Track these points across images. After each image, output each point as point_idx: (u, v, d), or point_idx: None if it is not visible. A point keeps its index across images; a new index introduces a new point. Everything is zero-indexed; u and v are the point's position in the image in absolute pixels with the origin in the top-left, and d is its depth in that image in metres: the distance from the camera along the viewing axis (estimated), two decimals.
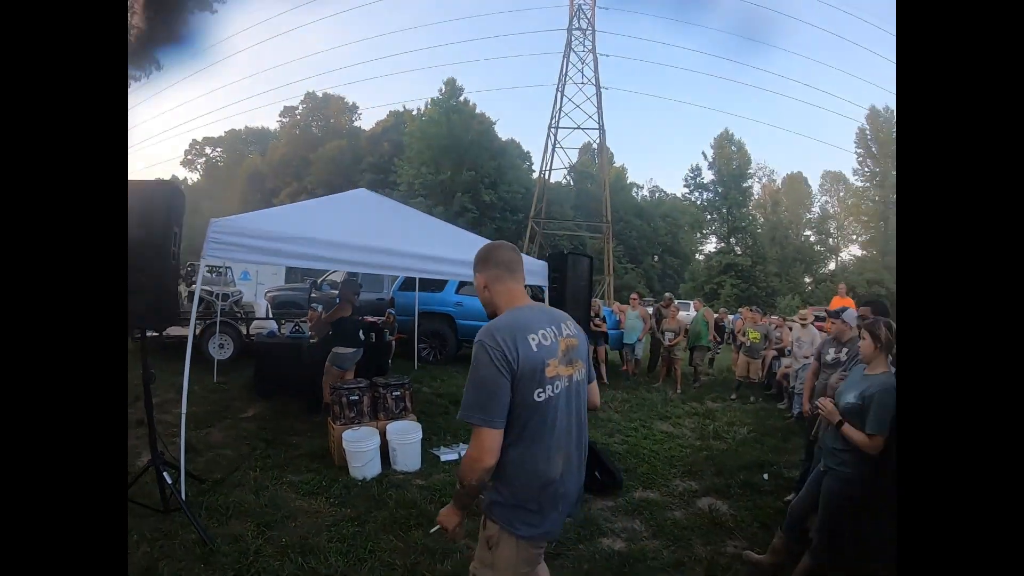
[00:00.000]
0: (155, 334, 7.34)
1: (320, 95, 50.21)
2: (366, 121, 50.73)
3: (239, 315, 10.01)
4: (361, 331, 6.25)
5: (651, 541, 3.67)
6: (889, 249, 45.57)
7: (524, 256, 6.32)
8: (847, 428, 2.75)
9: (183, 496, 3.67)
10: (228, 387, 7.48)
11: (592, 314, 8.90)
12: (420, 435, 4.77)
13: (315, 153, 44.68)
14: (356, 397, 4.94)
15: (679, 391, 8.95)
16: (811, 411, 4.01)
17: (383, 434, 4.67)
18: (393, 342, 8.45)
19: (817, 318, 7.87)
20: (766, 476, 4.99)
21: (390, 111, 47.26)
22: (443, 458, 4.98)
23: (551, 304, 5.52)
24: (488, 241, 2.18)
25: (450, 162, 36.63)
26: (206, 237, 3.95)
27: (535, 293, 5.54)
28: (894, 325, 2.96)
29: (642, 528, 3.82)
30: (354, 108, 51.51)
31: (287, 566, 3.14)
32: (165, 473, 3.62)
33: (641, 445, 5.68)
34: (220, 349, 8.76)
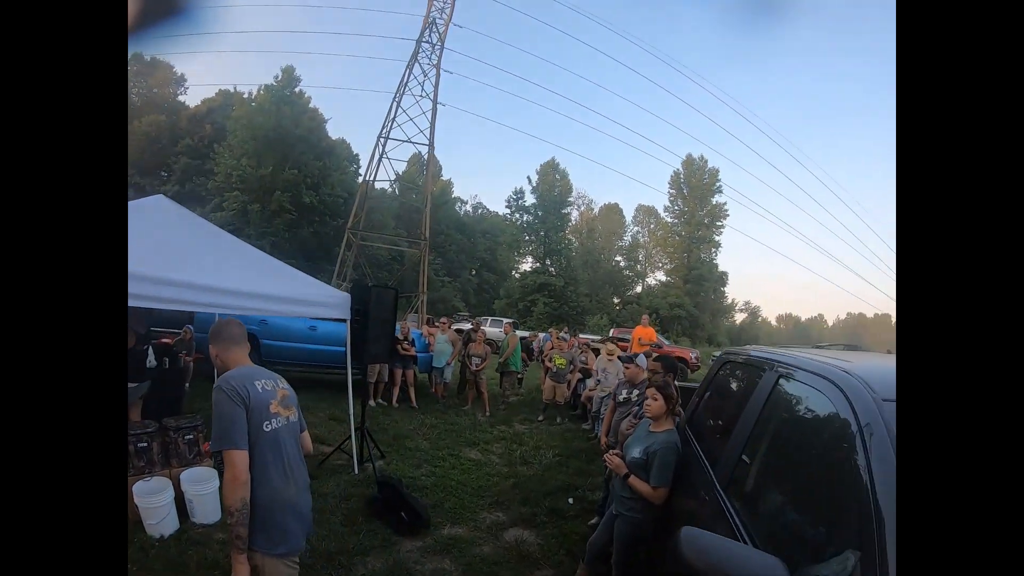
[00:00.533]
0: None
1: (148, 59, 43.66)
2: (192, 96, 45.33)
3: None
4: (152, 356, 5.50)
5: None
6: (691, 277, 51.90)
7: (326, 287, 5.89)
8: (633, 480, 2.92)
9: None
10: None
11: (401, 337, 8.75)
12: (218, 482, 4.15)
13: (131, 125, 38.89)
14: (145, 444, 4.28)
15: (488, 414, 9.02)
16: (607, 444, 4.34)
17: (177, 484, 4.10)
18: (191, 364, 7.50)
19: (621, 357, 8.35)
20: (571, 500, 5.14)
21: (219, 90, 42.55)
22: None
23: (353, 337, 5.35)
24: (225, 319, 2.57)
25: (273, 156, 33.92)
26: None
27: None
28: (675, 385, 3.30)
29: (451, 567, 3.72)
30: (182, 80, 45.49)
31: None
32: None
33: (449, 476, 5.58)
34: None
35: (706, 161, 53.83)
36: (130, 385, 4.97)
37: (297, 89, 37.84)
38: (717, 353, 25.73)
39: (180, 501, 4.08)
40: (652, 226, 59.76)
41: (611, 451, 3.28)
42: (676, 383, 5.74)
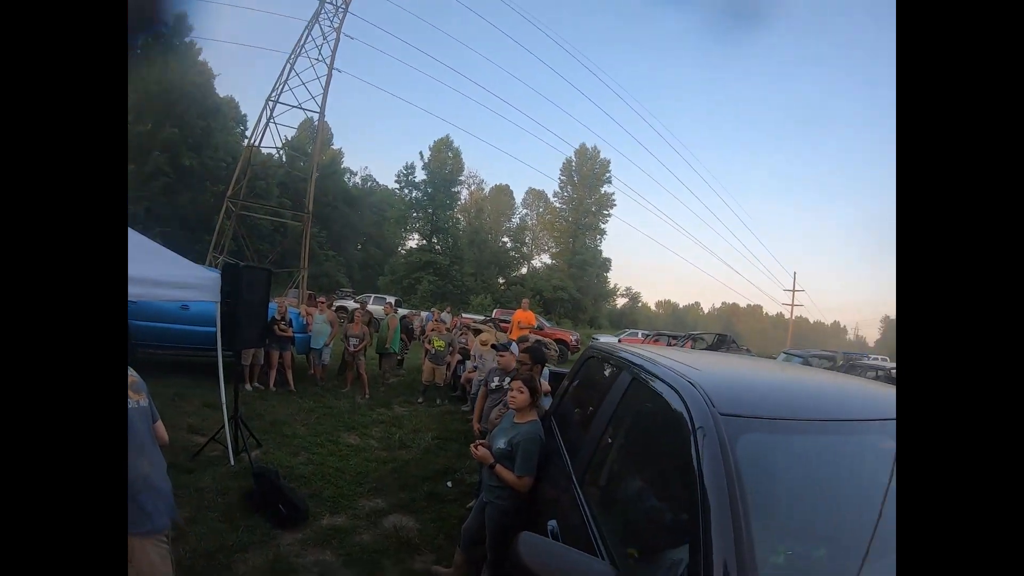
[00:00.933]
0: None
1: None
2: None
3: None
4: None
5: (343, 571, 3.64)
6: (575, 261, 53.41)
7: (194, 266, 5.58)
8: (499, 469, 3.04)
9: None
10: None
11: (278, 317, 8.51)
12: None
13: None
14: None
15: (367, 396, 8.96)
16: (480, 430, 4.50)
17: None
18: None
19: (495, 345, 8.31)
20: (450, 484, 5.29)
21: None
22: None
23: (224, 321, 5.11)
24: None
25: (154, 112, 30.73)
26: None
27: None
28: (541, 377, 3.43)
29: (332, 559, 3.75)
30: None
31: None
32: None
33: (327, 463, 5.54)
34: None
35: (599, 152, 55.96)
36: None
37: (189, 39, 34.50)
38: (596, 337, 26.74)
39: None
40: (541, 210, 61.16)
41: (476, 442, 3.37)
42: (552, 368, 6.02)
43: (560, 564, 1.59)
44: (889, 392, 2.58)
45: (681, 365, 2.24)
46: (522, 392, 3.22)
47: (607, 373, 3.10)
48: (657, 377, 2.25)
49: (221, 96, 37.92)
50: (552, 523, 2.32)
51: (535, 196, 61.42)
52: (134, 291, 4.61)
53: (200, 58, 35.66)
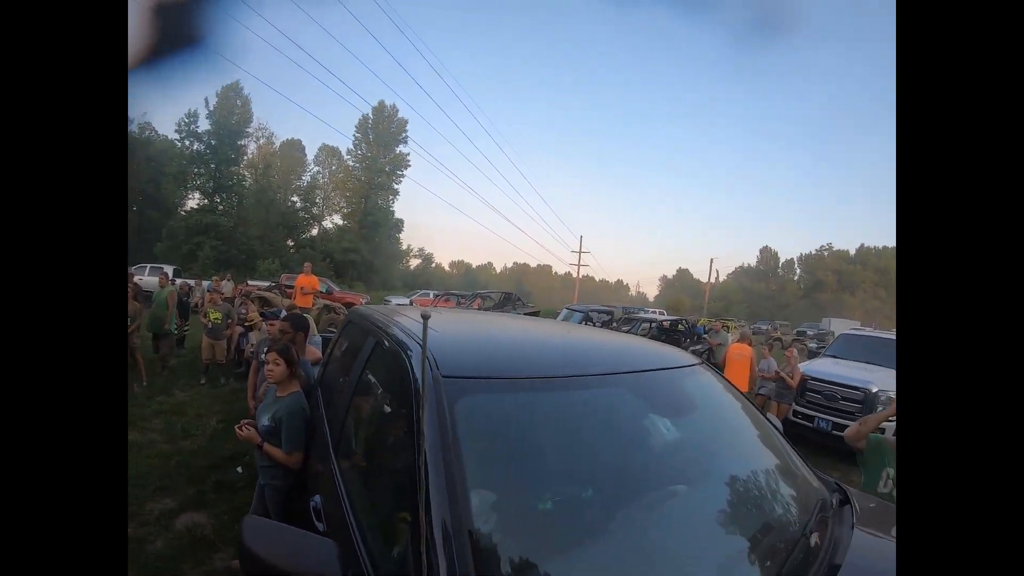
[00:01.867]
0: None
1: None
2: None
3: None
4: None
5: None
6: (367, 222, 52.05)
7: None
8: (268, 448, 2.95)
9: None
10: None
11: None
12: None
13: None
14: None
15: (145, 383, 8.27)
16: (255, 408, 4.20)
17: None
18: None
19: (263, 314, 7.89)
20: (240, 470, 5.10)
21: None
22: None
23: None
24: None
25: None
26: None
27: None
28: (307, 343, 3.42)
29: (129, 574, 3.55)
30: None
31: None
32: None
33: None
34: None
35: (397, 110, 54.99)
36: None
37: None
38: (388, 299, 26.58)
39: None
40: (334, 168, 58.79)
41: (242, 421, 3.16)
42: (333, 333, 5.86)
43: (282, 546, 1.56)
44: (633, 344, 2.83)
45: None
46: (278, 364, 3.11)
47: (360, 338, 2.99)
48: (394, 339, 2.24)
49: None
50: (315, 499, 2.27)
51: (328, 153, 59.10)
52: None
53: None
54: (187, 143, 46.33)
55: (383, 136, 55.08)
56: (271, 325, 4.56)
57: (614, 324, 17.26)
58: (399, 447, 1.81)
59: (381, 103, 54.22)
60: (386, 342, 2.35)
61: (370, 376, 2.51)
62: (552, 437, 1.86)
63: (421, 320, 1.57)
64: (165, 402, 7.60)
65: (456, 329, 2.76)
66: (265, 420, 3.02)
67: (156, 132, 50.92)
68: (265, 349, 4.37)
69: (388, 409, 2.23)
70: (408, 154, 55.58)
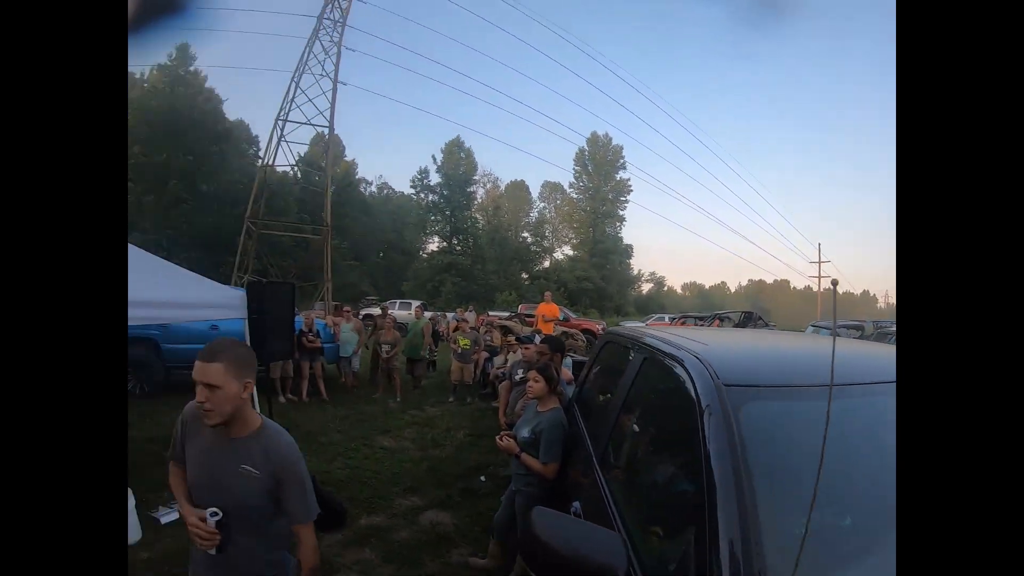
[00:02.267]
0: None
1: None
2: None
3: None
4: None
5: (384, 567, 3.72)
6: (597, 251, 53.40)
7: (221, 287, 5.73)
8: (525, 458, 3.13)
9: None
10: None
11: (306, 329, 8.71)
12: (132, 502, 4.00)
13: None
14: None
15: (399, 399, 9.10)
16: (506, 422, 4.57)
17: None
18: None
19: (519, 338, 8.31)
20: (483, 479, 5.36)
21: None
22: (163, 520, 4.24)
23: (253, 336, 5.18)
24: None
25: (167, 142, 31.42)
26: None
27: None
28: (562, 365, 3.51)
29: (372, 556, 3.84)
30: None
31: None
32: None
33: (363, 467, 5.66)
34: None
35: (610, 139, 55.64)
36: None
37: (192, 68, 35.33)
38: (623, 324, 26.81)
39: None
40: (558, 202, 60.95)
41: (502, 433, 3.44)
42: (576, 357, 6.06)
43: (568, 533, 1.60)
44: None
45: (689, 341, 2.24)
46: (538, 381, 3.31)
47: (622, 356, 3.12)
48: (665, 354, 2.26)
49: (231, 120, 38.45)
50: (575, 504, 2.36)
51: (551, 189, 61.29)
52: (164, 315, 4.78)
53: (207, 85, 36.31)
54: (422, 195, 52.20)
55: (601, 165, 55.92)
56: (527, 348, 4.76)
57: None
58: (676, 456, 1.91)
59: (594, 134, 55.31)
60: (657, 357, 2.38)
61: (638, 390, 2.57)
62: (841, 446, 1.66)
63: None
64: (417, 415, 8.21)
65: (723, 341, 2.83)
66: (525, 432, 3.20)
67: (393, 189, 58.66)
68: (521, 370, 4.66)
69: (662, 420, 2.30)
70: (629, 179, 55.81)
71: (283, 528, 1.87)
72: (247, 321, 5.25)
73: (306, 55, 26.49)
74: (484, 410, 8.69)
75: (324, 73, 26.66)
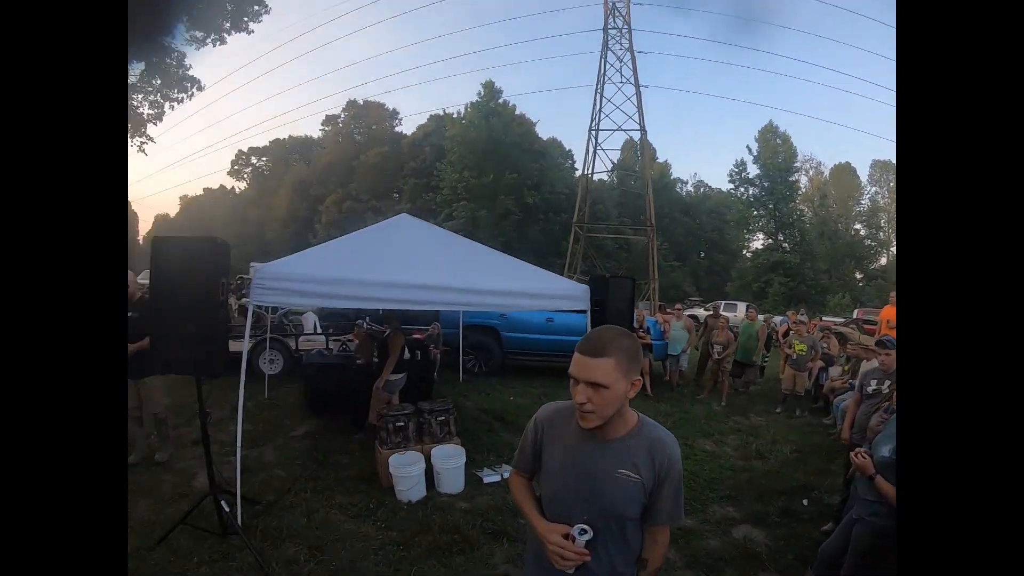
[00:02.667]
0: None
1: (361, 103, 50.83)
2: (407, 126, 51.20)
3: (288, 330, 10.09)
4: (407, 350, 6.33)
5: (683, 571, 3.72)
6: None
7: (565, 280, 6.30)
8: (880, 481, 2.69)
9: (239, 520, 3.91)
10: (279, 403, 7.69)
11: (636, 325, 8.93)
12: (463, 459, 4.90)
13: (358, 160, 45.14)
14: (402, 423, 5.12)
15: (724, 403, 8.87)
16: (850, 440, 4.08)
17: (428, 458, 4.84)
18: (438, 355, 8.64)
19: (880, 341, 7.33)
20: (806, 502, 4.95)
21: (430, 115, 47.22)
22: (486, 480, 5.05)
23: (592, 327, 5.53)
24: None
25: (492, 165, 36.60)
26: (251, 283, 4.21)
27: None
28: None
29: (675, 557, 3.83)
30: (395, 114, 51.87)
31: None
32: (223, 501, 3.87)
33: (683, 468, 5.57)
34: (270, 364, 9.03)
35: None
36: (395, 376, 5.91)
37: (501, 100, 40.25)
38: None
39: (429, 473, 4.79)
40: (892, 183, 51.24)
41: (858, 449, 2.99)
42: None
43: None
44: None
45: None
46: None
47: None
48: None
49: (545, 139, 42.74)
50: None
51: (882, 168, 52.33)
52: (516, 303, 5.51)
53: (517, 112, 40.84)
54: (742, 190, 48.69)
55: None
56: (887, 354, 4.23)
57: None
58: None
59: None
60: None
61: None
62: None
63: None
64: (741, 423, 7.91)
65: None
66: (886, 452, 2.77)
67: (710, 187, 56.49)
68: (875, 380, 4.22)
69: None
70: None
71: (640, 535, 1.65)
72: (589, 313, 5.62)
73: (602, 66, 27.90)
74: (815, 426, 7.92)
75: (624, 79, 27.87)
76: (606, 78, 27.97)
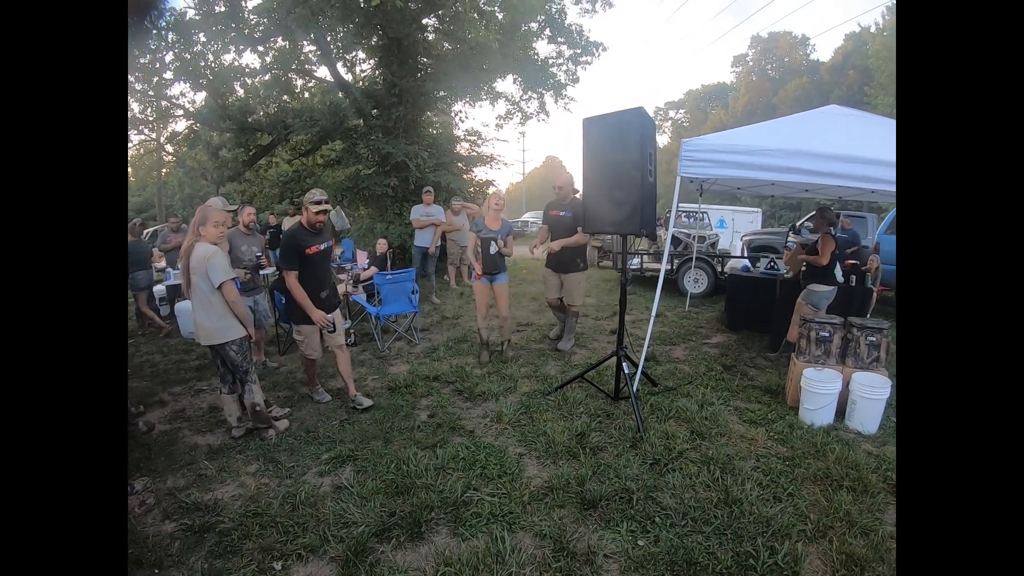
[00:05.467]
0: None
1: (766, 35, 47.77)
2: (822, 52, 44.19)
3: (714, 255, 10.16)
4: (840, 271, 5.66)
5: None
6: None
7: None
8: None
9: (635, 389, 4.11)
10: (698, 317, 7.76)
11: None
12: (888, 393, 3.97)
13: (777, 97, 42.21)
14: (827, 334, 4.44)
15: None
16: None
17: (846, 383, 4.12)
18: (875, 293, 7.27)
19: None
20: None
21: (845, 35, 41.20)
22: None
23: None
24: None
25: None
26: (679, 155, 4.23)
27: None
28: None
29: None
30: (805, 41, 47.63)
31: (704, 475, 3.22)
32: (625, 363, 4.15)
33: None
34: (695, 283, 9.37)
35: None
36: (823, 288, 5.13)
37: None
38: None
39: (842, 401, 4.14)
40: None
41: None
42: None
43: None
44: None
45: None
46: None
47: None
48: None
49: None
50: None
51: None
52: None
53: None
54: None
55: None
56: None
57: None
58: None
59: None
60: None
61: None
62: None
63: None
64: None
65: None
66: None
67: None
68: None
69: None
70: None
71: None
72: None
73: None
74: None
75: None
76: None
